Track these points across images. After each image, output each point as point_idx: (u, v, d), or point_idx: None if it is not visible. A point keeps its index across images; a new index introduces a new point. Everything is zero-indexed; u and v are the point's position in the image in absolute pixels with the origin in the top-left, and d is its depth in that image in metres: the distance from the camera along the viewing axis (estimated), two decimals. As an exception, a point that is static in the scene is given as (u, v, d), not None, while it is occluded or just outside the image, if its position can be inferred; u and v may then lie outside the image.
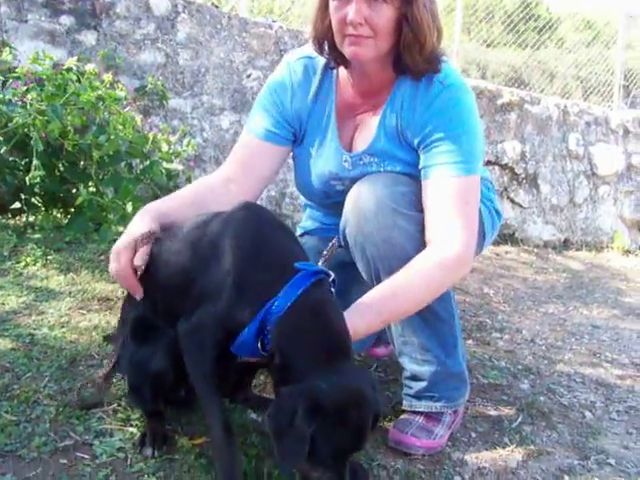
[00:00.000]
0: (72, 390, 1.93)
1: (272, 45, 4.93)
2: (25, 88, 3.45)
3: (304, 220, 2.45)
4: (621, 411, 2.54)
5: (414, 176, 1.96)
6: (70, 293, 2.75)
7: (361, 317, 1.71)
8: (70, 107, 3.42)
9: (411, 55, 1.86)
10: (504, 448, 2.08)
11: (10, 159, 3.54)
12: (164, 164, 3.86)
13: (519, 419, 2.29)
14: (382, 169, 2.00)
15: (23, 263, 2.99)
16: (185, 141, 4.09)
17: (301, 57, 2.08)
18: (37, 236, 3.33)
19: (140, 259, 1.73)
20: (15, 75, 3.58)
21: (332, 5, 1.85)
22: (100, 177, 3.60)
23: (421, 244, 1.86)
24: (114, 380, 1.99)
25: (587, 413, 2.46)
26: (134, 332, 1.78)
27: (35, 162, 3.23)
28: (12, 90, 3.46)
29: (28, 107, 3.29)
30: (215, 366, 1.57)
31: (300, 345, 1.48)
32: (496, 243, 5.77)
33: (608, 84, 8.49)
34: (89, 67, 3.77)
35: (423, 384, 2.00)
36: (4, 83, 3.62)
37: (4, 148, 3.38)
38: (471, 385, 2.21)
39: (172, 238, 1.75)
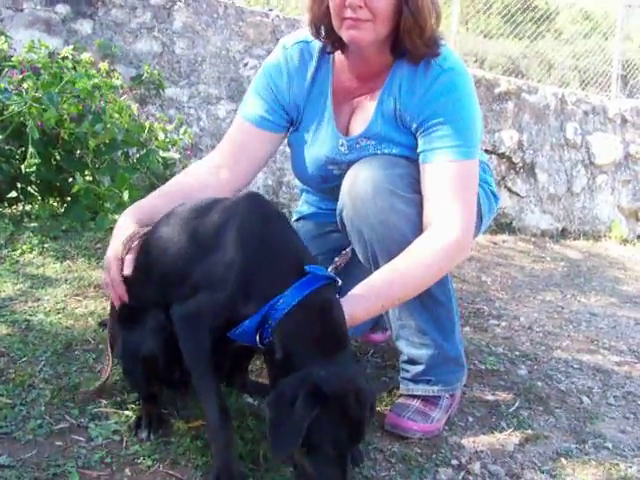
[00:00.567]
0: (67, 374, 1.92)
1: (269, 34, 4.91)
2: (21, 77, 3.44)
3: (300, 205, 2.44)
4: (618, 396, 2.54)
5: (411, 159, 1.95)
6: (66, 280, 2.74)
7: (360, 302, 1.71)
8: (66, 95, 3.41)
9: (411, 39, 1.84)
10: (501, 432, 2.08)
11: (6, 148, 3.53)
12: (161, 153, 3.85)
13: (516, 404, 2.29)
14: (379, 152, 1.99)
15: (19, 251, 2.98)
16: (182, 130, 4.08)
17: (297, 42, 2.06)
18: (34, 224, 3.32)
19: (128, 268, 1.74)
20: (11, 64, 3.57)
21: None
22: (96, 166, 3.59)
23: (419, 227, 1.86)
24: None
25: (584, 398, 2.46)
26: (124, 317, 1.79)
27: (31, 150, 3.22)
28: (8, 79, 3.44)
29: (24, 95, 3.27)
30: (211, 350, 1.57)
31: (302, 341, 1.50)
32: (493, 232, 5.77)
33: (606, 75, 8.46)
34: (85, 56, 3.76)
35: (420, 368, 2.00)
36: (0, 72, 3.60)
37: (0, 137, 3.37)
38: (468, 371, 2.21)
39: (168, 223, 1.74)
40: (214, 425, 1.54)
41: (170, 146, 3.95)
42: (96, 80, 3.58)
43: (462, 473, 1.81)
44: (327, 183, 2.12)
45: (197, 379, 1.57)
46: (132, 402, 1.82)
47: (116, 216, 3.29)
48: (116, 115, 3.63)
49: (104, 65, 3.81)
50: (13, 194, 3.62)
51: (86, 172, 3.55)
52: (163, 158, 3.85)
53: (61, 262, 2.95)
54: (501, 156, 6.00)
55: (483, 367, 2.60)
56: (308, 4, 1.97)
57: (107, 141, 3.53)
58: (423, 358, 1.99)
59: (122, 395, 1.86)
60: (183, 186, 1.99)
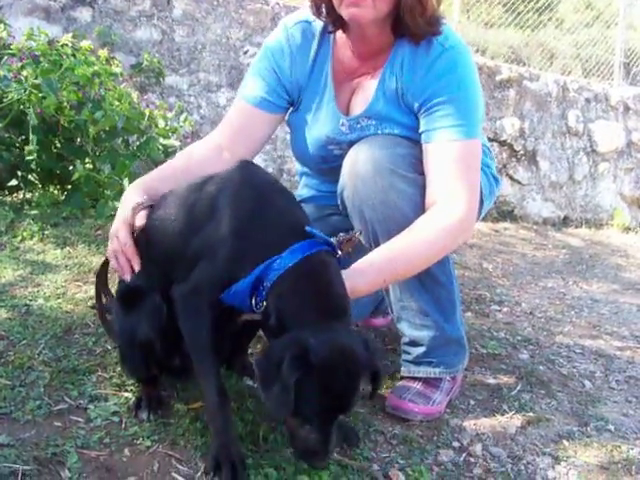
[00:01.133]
0: (67, 357, 1.92)
1: (269, 21, 4.88)
2: (20, 64, 3.42)
3: (300, 188, 2.42)
4: (620, 380, 2.53)
5: (413, 139, 1.93)
6: (66, 266, 2.74)
7: (362, 276, 1.70)
8: (66, 82, 3.39)
9: (412, 17, 1.82)
10: (503, 415, 2.07)
11: (6, 136, 3.51)
12: (161, 140, 3.84)
13: (518, 387, 2.28)
14: (380, 132, 1.97)
15: (20, 237, 2.98)
16: (182, 117, 4.06)
17: (299, 21, 2.04)
18: (34, 212, 3.31)
19: (140, 220, 1.73)
20: (10, 52, 3.55)
21: None
22: (97, 153, 3.57)
23: (421, 207, 1.84)
24: (109, 347, 1.98)
25: (586, 382, 2.45)
26: (121, 301, 1.78)
27: (31, 136, 3.20)
28: (7, 67, 3.42)
29: (23, 82, 3.25)
30: (212, 330, 1.56)
31: (296, 303, 1.46)
32: (495, 220, 5.76)
33: (608, 64, 8.42)
34: (84, 44, 3.74)
35: (422, 349, 1.99)
36: (-1, 60, 3.59)
37: (0, 125, 3.36)
38: (470, 355, 2.20)
39: (166, 203, 1.74)
40: (212, 406, 1.53)
41: (170, 134, 3.94)
42: (96, 67, 3.57)
43: (463, 455, 1.81)
44: (327, 163, 2.10)
45: (196, 359, 1.56)
46: (132, 384, 1.82)
47: (116, 203, 3.29)
48: (116, 102, 3.61)
49: (103, 52, 3.79)
50: (13, 182, 3.62)
51: (86, 160, 3.54)
52: (163, 146, 3.83)
53: (61, 248, 2.94)
54: (502, 144, 5.98)
55: (484, 351, 2.59)
56: None
57: (107, 128, 3.52)
58: (424, 340, 1.98)
59: (121, 377, 1.85)
60: (190, 166, 1.97)
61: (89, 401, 1.71)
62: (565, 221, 6.45)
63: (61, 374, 1.81)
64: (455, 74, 1.87)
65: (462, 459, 1.78)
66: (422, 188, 1.87)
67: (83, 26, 4.28)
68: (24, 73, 3.35)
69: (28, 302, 2.31)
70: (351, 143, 1.99)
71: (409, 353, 2.03)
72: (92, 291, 2.49)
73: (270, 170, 4.99)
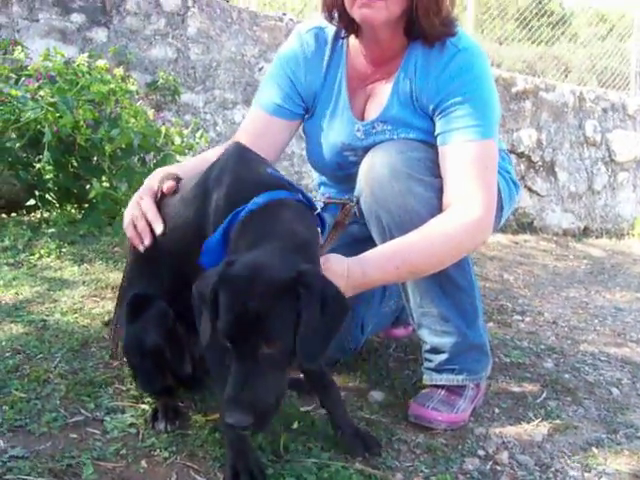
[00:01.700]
0: (83, 370, 1.90)
1: (283, 38, 4.89)
2: (37, 85, 3.45)
3: (318, 198, 2.40)
4: (649, 388, 2.47)
5: (429, 143, 1.91)
6: (84, 282, 2.73)
7: (373, 260, 1.69)
8: (82, 101, 3.41)
9: (428, 17, 1.80)
10: (529, 423, 2.01)
11: (23, 156, 3.53)
12: (177, 157, 3.84)
13: (543, 395, 2.23)
14: (395, 137, 1.94)
15: (37, 255, 2.98)
16: (198, 134, 4.07)
17: (312, 28, 2.04)
18: (51, 230, 3.32)
19: (168, 186, 1.73)
20: (27, 73, 3.58)
21: None
22: (113, 172, 3.58)
23: (438, 210, 1.81)
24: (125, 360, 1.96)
25: (614, 390, 2.38)
26: (127, 310, 1.75)
27: (46, 153, 3.22)
28: (24, 87, 3.45)
29: (40, 100, 3.27)
30: None
31: (246, 237, 1.42)
32: (514, 232, 5.70)
33: (623, 76, 8.38)
34: (100, 63, 3.77)
35: (444, 356, 1.94)
36: (17, 81, 3.62)
37: (17, 144, 3.38)
38: (493, 364, 2.14)
39: (175, 195, 1.74)
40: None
41: (187, 150, 3.94)
42: (112, 85, 3.59)
43: (489, 463, 1.75)
44: (343, 170, 2.08)
45: (211, 359, 1.52)
46: (148, 396, 1.79)
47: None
48: (132, 120, 3.63)
49: (119, 71, 3.82)
50: (31, 202, 3.63)
51: (103, 178, 3.55)
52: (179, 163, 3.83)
53: (79, 265, 2.93)
54: (520, 155, 5.93)
55: (508, 360, 2.54)
56: None
57: (123, 146, 3.53)
58: (446, 346, 1.93)
59: (138, 389, 1.82)
60: (202, 164, 1.94)
61: (105, 413, 1.68)
62: (585, 232, 6.38)
63: (77, 387, 1.79)
64: (470, 74, 1.85)
65: (488, 467, 1.73)
66: (439, 191, 1.84)
67: (99, 46, 4.31)
68: (41, 93, 3.37)
69: (45, 317, 2.30)
70: (366, 149, 1.96)
71: (431, 360, 1.98)
72: (109, 306, 2.48)
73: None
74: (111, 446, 1.54)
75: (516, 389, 2.26)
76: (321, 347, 1.34)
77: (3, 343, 2.01)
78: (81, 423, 1.62)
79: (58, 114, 3.28)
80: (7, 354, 1.95)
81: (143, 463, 1.49)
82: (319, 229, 1.59)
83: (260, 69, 4.82)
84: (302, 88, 2.03)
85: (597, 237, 6.35)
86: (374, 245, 1.93)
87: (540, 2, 9.12)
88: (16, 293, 2.52)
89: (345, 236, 2.24)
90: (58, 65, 3.57)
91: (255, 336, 1.26)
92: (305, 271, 1.31)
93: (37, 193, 3.61)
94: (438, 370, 1.97)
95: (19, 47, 3.93)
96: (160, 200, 1.76)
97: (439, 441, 1.82)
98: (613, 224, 6.56)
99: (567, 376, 2.45)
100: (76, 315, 2.35)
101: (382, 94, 1.97)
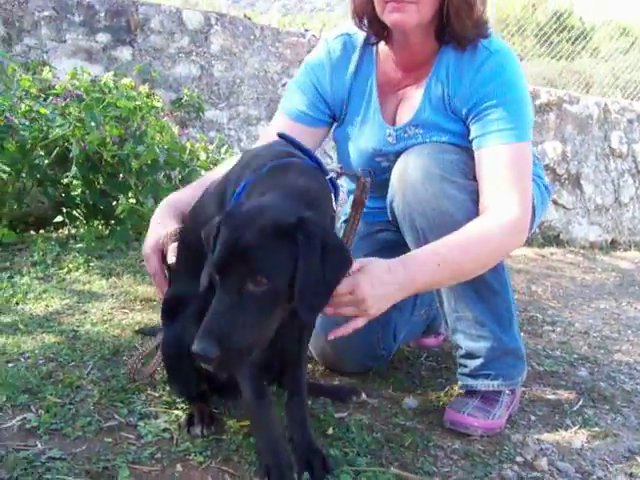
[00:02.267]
0: (116, 377, 1.89)
1: (305, 54, 4.90)
2: (64, 103, 3.49)
3: (348, 206, 2.39)
4: (688, 397, 2.40)
5: (461, 146, 1.89)
6: (112, 295, 2.73)
7: (414, 256, 1.67)
8: (108, 117, 3.44)
9: (460, 19, 1.79)
10: (566, 430, 1.97)
11: (50, 173, 3.56)
12: (203, 173, 3.85)
13: (580, 403, 2.18)
14: (427, 140, 1.93)
15: (66, 269, 2.99)
16: (223, 149, 4.09)
17: (340, 35, 2.04)
18: (79, 245, 3.33)
19: (171, 257, 1.73)
20: (54, 92, 3.63)
21: None
22: (139, 188, 3.60)
23: (473, 213, 1.78)
24: (158, 368, 1.95)
25: (652, 399, 2.33)
26: (164, 312, 1.75)
27: (74, 168, 3.24)
28: (52, 106, 3.49)
29: (67, 117, 3.31)
30: None
31: (255, 192, 1.42)
32: (541, 245, 5.64)
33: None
34: (125, 81, 3.81)
35: (479, 362, 1.91)
36: (45, 100, 3.67)
37: (45, 162, 3.41)
38: (526, 373, 2.11)
39: (201, 204, 1.74)
40: (250, 408, 1.50)
41: (212, 166, 3.96)
42: (137, 102, 3.63)
43: (528, 470, 1.71)
44: (375, 177, 2.07)
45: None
46: (182, 401, 1.77)
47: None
48: (158, 136, 3.65)
49: (144, 88, 3.86)
50: (59, 218, 3.66)
51: (129, 194, 3.57)
52: (205, 177, 3.84)
53: (107, 279, 2.94)
54: (545, 168, 5.88)
55: (541, 369, 2.49)
56: None
57: (149, 162, 3.55)
58: (481, 351, 1.90)
59: (171, 396, 1.81)
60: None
61: (139, 418, 1.67)
62: (613, 244, 6.29)
63: (110, 393, 1.78)
64: (503, 77, 1.84)
65: (528, 474, 1.69)
66: (473, 194, 1.82)
67: (124, 65, 4.36)
68: (69, 110, 3.41)
69: (75, 328, 2.30)
70: (398, 154, 1.95)
71: (466, 366, 1.95)
72: (139, 317, 2.49)
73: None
74: (146, 450, 1.52)
75: (551, 397, 2.22)
76: (318, 298, 1.32)
77: (36, 351, 2.01)
78: (115, 428, 1.61)
79: (85, 131, 3.32)
80: (40, 361, 1.95)
81: (178, 467, 1.48)
82: (332, 195, 1.57)
83: (283, 85, 4.84)
84: (328, 96, 2.03)
85: (625, 250, 6.26)
86: (407, 251, 1.91)
87: (559, 17, 9.09)
88: (46, 305, 2.53)
89: (376, 243, 2.24)
90: (85, 83, 3.61)
91: (242, 270, 1.25)
92: (307, 218, 1.29)
93: (64, 210, 3.65)
94: (473, 375, 1.93)
95: (47, 67, 3.99)
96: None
97: (476, 447, 1.78)
98: (641, 237, 6.48)
99: (603, 384, 2.40)
100: (106, 325, 2.35)
101: (413, 98, 1.96)
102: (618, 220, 6.32)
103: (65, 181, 3.32)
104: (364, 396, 1.99)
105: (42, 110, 3.40)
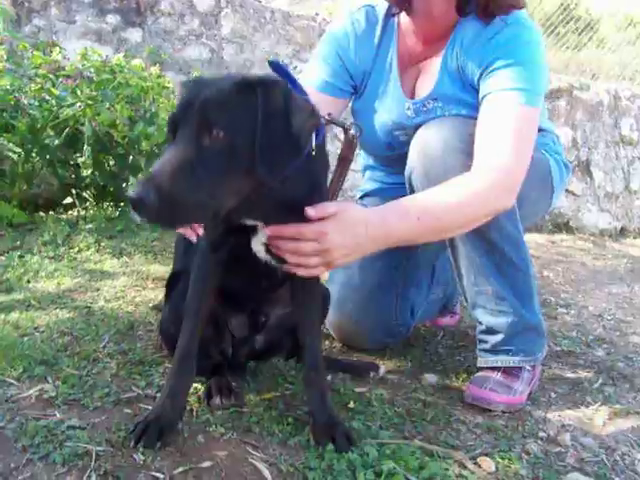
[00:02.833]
0: (132, 350, 1.87)
1: (316, 37, 4.87)
2: (75, 84, 3.46)
3: (364, 183, 2.36)
4: None
5: None
6: (124, 273, 2.72)
7: (391, 207, 1.60)
8: (119, 97, 3.41)
9: None
10: (587, 407, 1.94)
11: (60, 155, 3.54)
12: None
13: (599, 381, 2.15)
14: (447, 114, 1.90)
15: (77, 249, 2.98)
16: (232, 132, 4.05)
17: (363, 6, 2.01)
18: (89, 226, 3.31)
19: None
20: (65, 73, 3.60)
21: None
22: (149, 169, 3.57)
23: None
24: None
25: (671, 379, 2.30)
26: (166, 291, 1.75)
27: (86, 147, 3.21)
28: (63, 85, 3.46)
29: (79, 94, 3.28)
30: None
31: None
32: (551, 232, 5.61)
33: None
34: (135, 62, 3.78)
35: (499, 337, 1.88)
36: (54, 82, 3.63)
37: (55, 142, 3.38)
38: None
39: None
40: (177, 355, 1.49)
41: (221, 148, 3.93)
42: (148, 83, 3.60)
43: (552, 445, 1.69)
44: (394, 150, 2.04)
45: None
46: (200, 374, 1.75)
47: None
48: (168, 116, 3.62)
49: (155, 69, 3.82)
50: (68, 200, 3.64)
51: (139, 175, 3.54)
52: (215, 159, 3.81)
53: (118, 258, 2.92)
54: (555, 155, 5.83)
55: (559, 349, 2.47)
56: None
57: (160, 143, 3.53)
58: (502, 326, 1.87)
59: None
60: None
61: (157, 391, 1.64)
62: (622, 232, 6.24)
63: (127, 365, 1.77)
64: (516, 42, 1.78)
65: (552, 448, 1.66)
66: None
67: (134, 46, 4.32)
68: (79, 91, 3.38)
69: (89, 304, 2.28)
70: (417, 127, 1.92)
71: (486, 342, 1.92)
72: (151, 295, 2.46)
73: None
74: (166, 421, 1.50)
75: (571, 375, 2.19)
76: (280, 155, 1.25)
77: (50, 326, 1.99)
78: (133, 399, 1.59)
79: (96, 111, 3.29)
80: (55, 335, 1.93)
81: (200, 438, 1.45)
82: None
83: (294, 68, 4.79)
84: (351, 66, 2.00)
85: (635, 237, 6.22)
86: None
87: (566, 8, 9.02)
88: (58, 283, 2.51)
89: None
90: (96, 62, 3.58)
91: (198, 123, 1.20)
92: (268, 77, 1.27)
93: (74, 191, 3.62)
94: (494, 351, 1.91)
95: (57, 48, 3.96)
96: None
97: (498, 422, 1.76)
98: (652, 224, 6.43)
99: (621, 364, 2.37)
100: (120, 302, 2.33)
101: (432, 71, 1.93)
102: (628, 208, 6.28)
103: (79, 160, 3.28)
104: (383, 371, 1.97)
105: (53, 90, 3.37)
